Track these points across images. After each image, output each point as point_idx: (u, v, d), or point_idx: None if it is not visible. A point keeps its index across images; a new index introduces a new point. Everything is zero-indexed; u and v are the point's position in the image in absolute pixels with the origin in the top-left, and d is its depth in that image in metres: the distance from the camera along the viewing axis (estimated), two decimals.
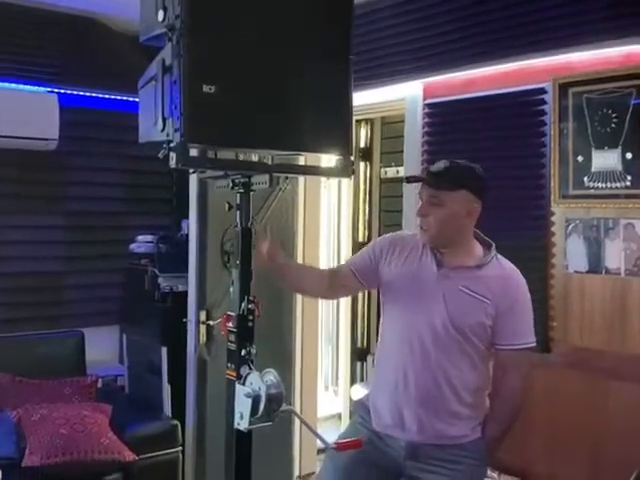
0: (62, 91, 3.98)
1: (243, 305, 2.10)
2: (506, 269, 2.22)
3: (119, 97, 4.20)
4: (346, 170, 2.06)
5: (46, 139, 3.81)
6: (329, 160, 2.15)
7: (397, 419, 2.20)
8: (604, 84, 2.73)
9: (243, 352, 2.07)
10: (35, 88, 3.89)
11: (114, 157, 4.23)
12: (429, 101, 3.42)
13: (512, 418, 2.21)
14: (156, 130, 1.83)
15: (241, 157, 2.01)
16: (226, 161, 1.98)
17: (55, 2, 3.75)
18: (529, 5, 2.89)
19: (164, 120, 1.79)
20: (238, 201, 2.10)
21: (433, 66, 3.25)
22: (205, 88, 1.74)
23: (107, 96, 4.20)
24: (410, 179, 2.40)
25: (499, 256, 2.23)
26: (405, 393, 2.19)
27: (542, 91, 2.94)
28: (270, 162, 2.01)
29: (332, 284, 2.41)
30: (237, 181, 2.07)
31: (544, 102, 2.94)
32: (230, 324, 2.13)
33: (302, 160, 2.26)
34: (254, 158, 2.01)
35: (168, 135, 1.78)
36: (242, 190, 2.08)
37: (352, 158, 2.05)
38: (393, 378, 2.22)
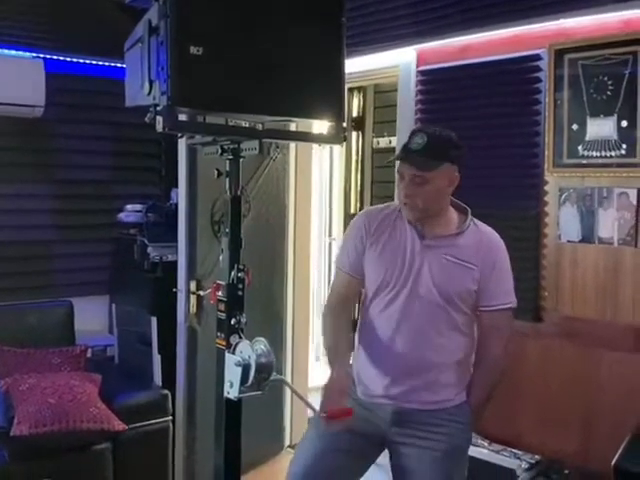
0: (48, 56, 3.90)
1: (233, 274, 2.07)
2: (485, 233, 2.22)
3: (107, 63, 4.11)
4: (338, 136, 2.03)
5: (32, 106, 3.73)
6: (321, 126, 2.11)
7: (384, 388, 2.21)
8: (600, 50, 2.69)
9: (233, 321, 2.05)
10: (20, 53, 3.81)
11: (102, 124, 4.16)
12: (422, 68, 3.37)
13: (495, 384, 2.23)
14: (142, 94, 1.79)
15: (230, 122, 1.97)
16: (214, 126, 1.94)
17: None
18: None
19: (151, 83, 1.75)
20: (227, 168, 2.07)
21: (427, 32, 3.19)
22: (192, 49, 1.69)
23: (94, 62, 4.12)
24: (392, 162, 2.30)
25: (476, 220, 2.23)
26: (391, 363, 2.20)
27: (537, 57, 2.89)
28: (260, 128, 1.98)
29: (349, 304, 2.38)
30: (226, 147, 2.04)
31: (539, 69, 2.89)
32: (220, 293, 2.11)
33: (293, 127, 2.22)
34: (244, 124, 1.97)
35: (155, 98, 1.74)
36: (231, 156, 2.05)
37: (344, 125, 2.02)
38: (379, 349, 2.22)
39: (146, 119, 1.77)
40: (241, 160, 2.06)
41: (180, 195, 3.77)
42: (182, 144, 3.68)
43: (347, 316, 2.34)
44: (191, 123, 1.91)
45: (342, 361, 2.23)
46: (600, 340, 2.74)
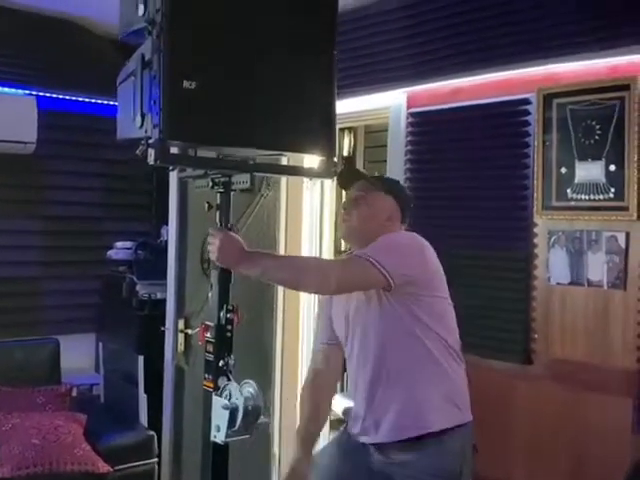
0: (41, 94, 3.92)
1: (222, 314, 2.06)
2: None
3: (99, 101, 4.14)
4: (329, 171, 2.04)
5: (24, 142, 3.75)
6: (312, 161, 2.12)
7: (360, 425, 2.26)
8: (588, 95, 2.72)
9: (221, 363, 2.03)
10: (13, 90, 3.83)
11: (93, 161, 4.18)
12: (413, 110, 3.40)
13: (290, 268, 2.13)
14: (134, 127, 1.80)
15: (222, 156, 1.97)
16: (206, 159, 1.96)
17: (35, 4, 3.70)
18: (513, 15, 2.88)
19: (143, 116, 1.76)
20: (218, 201, 2.07)
21: (417, 75, 3.23)
22: (185, 84, 1.71)
23: (86, 99, 4.15)
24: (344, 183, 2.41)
25: None
26: (358, 399, 2.27)
27: (526, 102, 2.92)
28: (251, 161, 1.98)
29: (331, 375, 2.41)
30: (217, 180, 2.04)
31: (528, 113, 2.92)
32: (208, 334, 2.09)
33: (285, 161, 2.23)
34: (235, 157, 1.98)
35: (147, 131, 1.74)
36: (222, 190, 2.05)
37: (335, 159, 2.03)
38: (352, 386, 2.31)
39: (137, 152, 1.77)
40: (232, 193, 2.06)
41: (170, 232, 3.78)
42: (173, 180, 3.69)
43: (322, 394, 2.38)
44: (182, 156, 1.92)
45: (307, 446, 2.27)
46: (590, 383, 2.72)
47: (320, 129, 1.97)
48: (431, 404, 2.15)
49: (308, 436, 2.29)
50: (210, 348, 2.07)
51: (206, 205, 2.10)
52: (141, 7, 1.76)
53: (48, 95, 3.99)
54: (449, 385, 2.19)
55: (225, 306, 2.07)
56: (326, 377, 2.39)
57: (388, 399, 2.18)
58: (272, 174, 2.43)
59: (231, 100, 1.80)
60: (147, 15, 1.74)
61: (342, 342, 2.33)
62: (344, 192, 5.54)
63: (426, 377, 2.16)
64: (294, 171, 2.26)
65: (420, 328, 2.14)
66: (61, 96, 4.07)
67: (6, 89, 3.81)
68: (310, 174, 2.16)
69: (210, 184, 2.05)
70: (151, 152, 1.73)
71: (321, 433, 2.39)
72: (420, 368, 2.15)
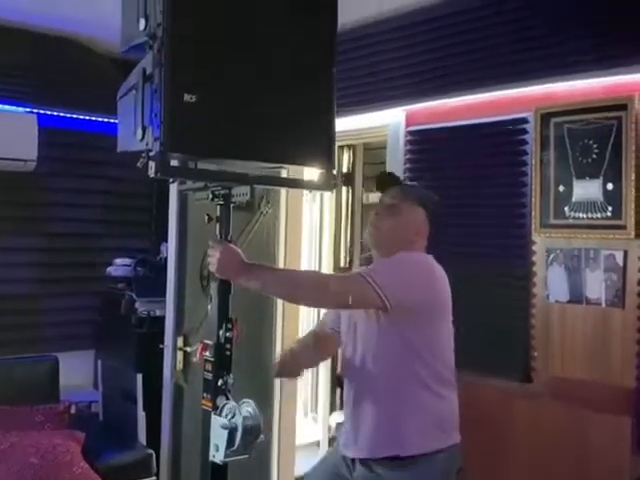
0: (41, 111, 3.94)
1: (221, 333, 2.06)
2: None
3: (99, 118, 4.16)
4: (329, 183, 2.04)
5: (24, 160, 3.75)
6: (312, 174, 2.14)
7: (344, 434, 2.28)
8: (586, 115, 2.74)
9: (220, 382, 2.03)
10: (14, 108, 3.85)
11: (93, 178, 4.19)
12: (411, 128, 3.42)
13: (287, 282, 2.15)
14: (135, 140, 1.81)
15: (222, 168, 1.98)
16: (206, 172, 1.96)
17: (36, 22, 3.72)
18: (511, 35, 2.90)
19: (144, 129, 1.77)
20: (218, 213, 2.07)
21: (415, 94, 3.25)
22: (186, 97, 1.72)
23: (87, 117, 4.16)
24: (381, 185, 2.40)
25: None
26: (347, 407, 2.30)
27: (524, 121, 2.94)
28: (252, 174, 1.99)
29: (321, 349, 2.44)
30: (217, 193, 2.05)
31: (526, 132, 2.95)
32: (207, 353, 2.08)
33: (285, 174, 2.24)
34: (235, 169, 1.99)
35: (147, 144, 1.75)
36: (222, 202, 2.06)
37: (335, 172, 2.04)
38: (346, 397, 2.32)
39: (138, 164, 1.78)
40: (232, 206, 2.07)
41: (169, 249, 3.78)
42: (173, 195, 3.69)
43: (310, 347, 2.42)
44: (183, 169, 1.93)
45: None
46: (590, 402, 2.72)
47: (319, 142, 1.99)
48: (412, 427, 2.14)
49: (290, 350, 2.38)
50: (209, 367, 2.06)
51: (206, 217, 2.11)
52: (142, 22, 1.78)
53: (49, 113, 4.00)
54: (436, 410, 2.17)
55: (224, 325, 2.06)
56: (323, 343, 2.42)
57: (370, 413, 2.18)
58: (272, 186, 2.44)
59: (231, 113, 1.81)
60: (148, 29, 1.76)
61: (342, 342, 2.34)
62: (344, 210, 5.56)
63: (412, 400, 2.15)
64: (294, 183, 2.27)
65: (413, 352, 2.13)
66: (61, 114, 4.08)
67: (6, 107, 3.83)
68: (310, 186, 2.18)
69: (210, 196, 2.06)
70: (152, 164, 1.74)
71: (301, 364, 2.39)
72: (407, 390, 2.15)
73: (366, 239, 2.31)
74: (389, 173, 2.42)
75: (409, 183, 2.32)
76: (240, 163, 1.95)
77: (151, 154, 1.74)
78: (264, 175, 2.05)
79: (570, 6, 2.71)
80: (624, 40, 2.58)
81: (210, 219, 2.09)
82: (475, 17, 3.00)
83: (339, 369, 2.40)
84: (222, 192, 2.04)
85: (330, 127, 2.00)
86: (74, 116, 4.13)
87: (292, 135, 1.92)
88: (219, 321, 2.06)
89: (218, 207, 2.06)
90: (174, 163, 1.84)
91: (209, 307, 2.09)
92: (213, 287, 2.07)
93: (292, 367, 2.34)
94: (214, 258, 1.98)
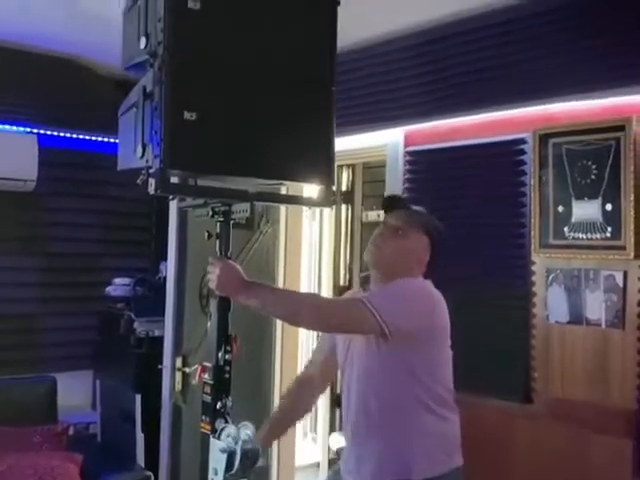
0: (42, 132, 3.96)
1: (220, 355, 2.05)
2: None
3: (99, 138, 4.18)
4: (328, 200, 2.04)
5: (24, 180, 3.77)
6: (311, 190, 2.14)
7: (348, 463, 2.25)
8: (584, 135, 2.74)
9: (219, 405, 2.02)
10: (15, 128, 3.86)
11: (93, 198, 4.20)
12: (410, 149, 3.43)
13: (287, 304, 2.12)
14: (135, 157, 1.82)
15: (222, 185, 1.99)
16: (206, 188, 1.96)
17: (38, 44, 3.75)
18: (508, 57, 2.92)
19: (144, 146, 1.79)
20: (218, 230, 2.07)
21: (414, 115, 3.26)
22: (186, 115, 1.73)
23: (87, 137, 4.18)
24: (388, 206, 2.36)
25: None
26: (347, 432, 2.27)
27: (522, 141, 2.95)
28: (251, 190, 2.00)
29: (316, 385, 2.44)
30: (217, 209, 2.05)
31: (524, 152, 2.95)
32: (206, 375, 2.07)
33: (284, 190, 2.25)
34: (235, 186, 2.00)
35: (147, 161, 1.76)
36: (222, 219, 2.06)
37: (334, 188, 2.04)
38: (344, 421, 2.30)
39: (138, 181, 1.79)
40: (231, 222, 2.07)
41: (169, 268, 3.78)
42: (173, 213, 3.70)
43: (305, 392, 2.42)
44: (183, 186, 1.93)
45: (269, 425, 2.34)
46: (590, 423, 2.70)
47: (319, 158, 1.99)
48: (417, 451, 2.12)
49: (275, 419, 2.38)
50: (208, 390, 2.06)
51: (206, 234, 2.11)
52: (143, 40, 1.80)
53: (49, 133, 4.02)
54: (440, 433, 2.16)
55: (223, 346, 2.06)
56: (315, 383, 2.41)
57: (373, 439, 2.16)
58: (272, 203, 2.45)
59: (231, 130, 1.83)
60: (149, 48, 1.77)
61: (339, 364, 2.32)
62: (344, 228, 5.56)
63: (415, 424, 2.13)
64: (294, 200, 2.26)
65: (413, 377, 2.12)
66: (62, 134, 4.10)
67: (7, 127, 3.85)
68: (309, 203, 2.17)
69: (210, 213, 2.07)
70: (152, 181, 1.75)
71: (289, 427, 2.46)
72: (410, 414, 2.13)
73: (366, 257, 2.30)
74: (397, 196, 2.42)
75: (416, 208, 2.30)
76: (240, 180, 1.96)
77: (151, 171, 1.75)
78: (264, 192, 2.06)
79: (568, 28, 2.73)
80: (622, 62, 2.60)
81: (210, 236, 2.10)
82: (473, 39, 3.02)
83: (339, 389, 2.38)
84: (222, 209, 2.05)
85: (329, 144, 2.01)
86: (74, 136, 4.15)
87: (292, 152, 1.93)
88: (218, 341, 2.05)
89: (218, 224, 2.07)
90: (174, 180, 1.84)
91: (208, 324, 2.09)
92: (212, 304, 2.07)
93: (281, 429, 2.38)
94: (214, 275, 1.97)
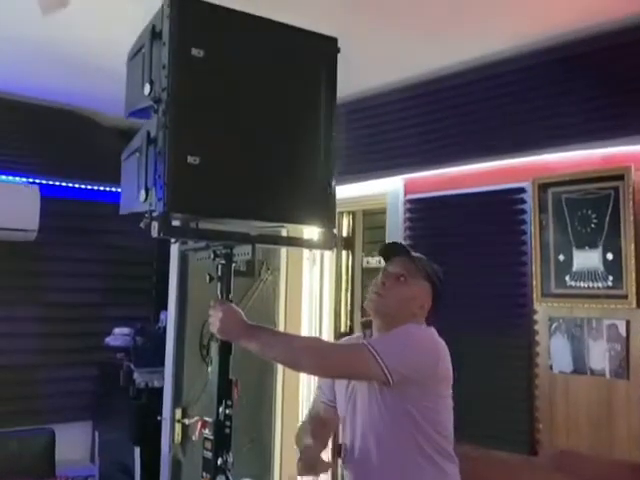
0: (44, 182, 3.98)
1: (221, 410, 2.02)
2: None
3: (100, 187, 4.20)
4: (329, 242, 2.05)
5: (25, 230, 3.77)
6: (312, 233, 2.15)
7: None
8: (583, 185, 2.76)
9: (219, 461, 1.98)
10: (17, 179, 3.89)
11: (94, 247, 4.21)
12: (410, 196, 3.44)
13: (286, 349, 2.05)
14: (138, 201, 1.83)
15: (223, 227, 1.99)
16: (208, 231, 1.97)
17: (40, 95, 3.80)
18: (508, 107, 2.96)
19: (147, 190, 1.80)
20: (219, 273, 2.06)
21: (414, 164, 3.29)
22: (190, 159, 1.75)
23: (88, 186, 4.20)
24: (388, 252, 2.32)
25: None
26: None
27: (522, 190, 2.96)
28: (253, 233, 2.00)
29: (322, 428, 2.33)
30: (219, 252, 2.05)
31: (524, 201, 2.96)
32: (206, 430, 2.04)
33: (285, 233, 2.25)
34: (236, 229, 2.00)
35: (151, 205, 1.77)
36: (224, 261, 2.05)
37: (335, 231, 2.04)
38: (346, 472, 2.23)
39: (141, 225, 1.80)
40: (233, 265, 2.06)
41: (169, 318, 3.76)
42: (174, 261, 3.69)
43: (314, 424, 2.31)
44: (185, 229, 1.93)
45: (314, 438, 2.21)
46: (596, 476, 2.65)
47: (319, 201, 2.00)
48: None
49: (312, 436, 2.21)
50: (208, 445, 2.02)
51: (207, 277, 2.10)
52: (147, 86, 1.82)
53: (51, 183, 4.05)
54: None
55: (224, 401, 2.03)
56: (323, 425, 2.32)
57: None
58: (273, 245, 2.46)
59: (233, 174, 1.84)
60: (153, 94, 1.80)
61: (340, 415, 2.28)
62: (344, 274, 5.55)
63: (418, 476, 2.10)
64: (295, 242, 2.27)
65: (417, 428, 2.08)
66: (64, 184, 4.12)
67: (10, 177, 3.87)
68: (310, 245, 2.18)
69: (212, 256, 2.07)
70: (154, 225, 1.75)
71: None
72: (413, 466, 2.09)
73: (367, 306, 2.28)
74: (397, 243, 2.40)
75: (417, 255, 2.29)
76: (241, 222, 1.97)
77: (154, 214, 1.76)
78: (265, 234, 2.07)
79: (566, 79, 2.77)
80: (619, 112, 2.63)
81: (211, 279, 2.09)
82: (472, 90, 3.06)
83: (340, 438, 2.33)
84: (224, 251, 2.04)
85: (329, 187, 2.03)
86: (76, 186, 4.18)
87: (292, 195, 1.95)
88: (219, 393, 2.03)
89: (219, 266, 2.06)
90: (176, 223, 1.85)
91: (209, 369, 2.06)
92: (213, 348, 2.04)
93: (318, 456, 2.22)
94: (215, 318, 1.96)
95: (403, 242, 2.48)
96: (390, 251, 2.31)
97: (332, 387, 2.33)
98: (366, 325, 2.30)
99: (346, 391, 2.24)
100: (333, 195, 2.04)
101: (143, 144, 1.83)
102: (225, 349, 2.03)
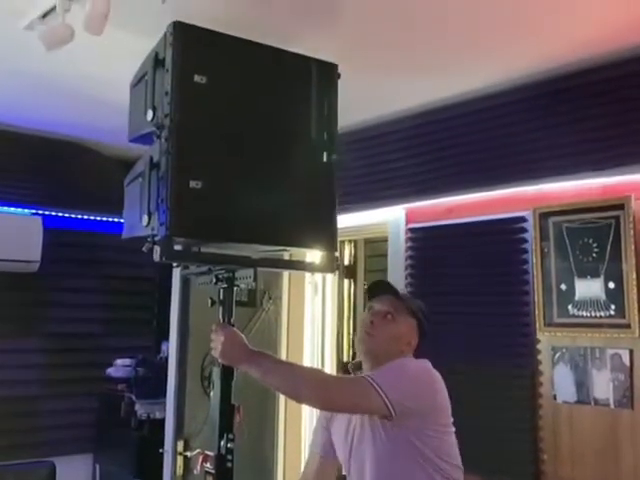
0: (47, 213, 4.00)
1: (222, 443, 2.01)
2: None
3: (103, 218, 4.22)
4: (330, 265, 2.06)
5: (28, 261, 3.78)
6: (314, 256, 2.15)
7: None
8: (583, 214, 2.76)
9: None
10: (19, 210, 3.91)
11: (95, 277, 4.21)
12: (411, 226, 3.45)
13: (290, 381, 2.03)
14: (141, 225, 1.85)
15: (225, 251, 2.00)
16: (210, 255, 1.99)
17: (43, 127, 3.82)
18: (509, 137, 2.97)
19: (149, 215, 1.81)
20: (221, 297, 2.07)
21: (415, 193, 3.30)
22: (192, 183, 1.78)
23: (90, 217, 4.22)
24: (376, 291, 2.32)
25: None
26: None
27: (522, 219, 2.97)
28: (255, 257, 2.01)
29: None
30: (221, 276, 2.05)
31: (525, 230, 2.97)
32: (208, 464, 2.03)
33: (287, 257, 2.26)
34: (238, 253, 2.01)
35: (153, 229, 1.79)
36: (226, 285, 2.05)
37: (337, 254, 2.04)
38: None
39: (143, 249, 1.81)
40: (235, 289, 2.07)
41: (171, 348, 3.74)
42: (175, 289, 3.68)
43: None
44: (187, 253, 1.94)
45: None
46: None
47: (321, 225, 2.03)
48: None
49: None
50: (210, 479, 2.01)
51: (209, 301, 2.10)
52: (150, 113, 1.86)
53: (54, 214, 4.06)
54: None
55: (225, 435, 2.02)
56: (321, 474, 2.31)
57: None
58: (275, 269, 2.47)
59: (235, 198, 1.86)
60: (156, 120, 1.83)
61: (340, 461, 2.26)
62: (347, 302, 5.55)
63: None
64: (297, 266, 2.29)
65: (426, 460, 2.07)
66: (66, 214, 4.14)
67: (12, 209, 3.89)
68: (312, 269, 2.20)
69: (214, 280, 2.07)
70: (157, 249, 1.77)
71: None
72: None
73: (358, 347, 2.27)
74: (382, 281, 2.42)
75: (402, 293, 2.32)
76: (243, 246, 1.99)
77: (157, 239, 1.77)
78: (267, 257, 2.08)
79: (566, 111, 2.78)
80: (619, 142, 2.64)
81: (213, 303, 2.09)
82: (471, 121, 3.08)
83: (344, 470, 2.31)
84: (226, 275, 2.05)
85: (331, 210, 2.05)
86: (78, 216, 4.19)
87: (294, 219, 1.97)
88: (220, 427, 2.02)
89: (221, 291, 2.07)
90: (178, 247, 1.86)
91: (211, 394, 2.06)
92: (215, 372, 2.04)
93: None
94: (217, 342, 1.95)
95: (387, 280, 2.49)
96: (375, 289, 2.32)
97: (326, 437, 2.30)
98: (356, 367, 2.29)
99: (345, 436, 2.22)
100: (335, 218, 2.06)
101: (146, 169, 1.86)
102: (227, 374, 2.03)
